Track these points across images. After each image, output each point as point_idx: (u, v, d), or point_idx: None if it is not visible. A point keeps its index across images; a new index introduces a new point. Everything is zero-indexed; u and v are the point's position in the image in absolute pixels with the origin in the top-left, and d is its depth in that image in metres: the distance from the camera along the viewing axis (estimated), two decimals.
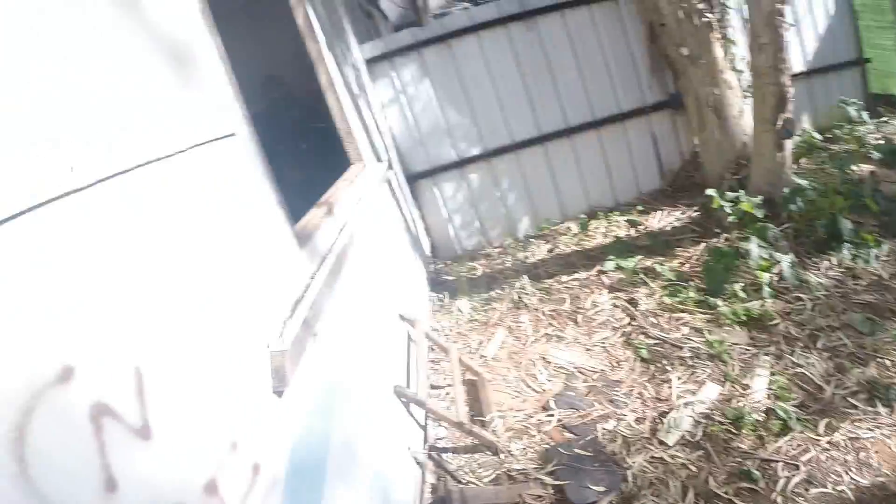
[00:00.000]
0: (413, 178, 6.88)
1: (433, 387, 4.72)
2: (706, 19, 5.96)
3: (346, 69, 5.63)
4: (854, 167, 6.24)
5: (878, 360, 4.14)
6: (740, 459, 3.58)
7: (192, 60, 2.29)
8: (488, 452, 3.95)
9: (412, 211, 6.69)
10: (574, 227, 6.54)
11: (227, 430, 1.75)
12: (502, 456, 3.89)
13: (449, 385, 4.53)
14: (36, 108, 1.37)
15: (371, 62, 6.55)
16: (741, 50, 6.41)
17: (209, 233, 2.00)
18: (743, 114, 6.14)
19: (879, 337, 4.30)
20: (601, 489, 3.47)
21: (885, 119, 7.84)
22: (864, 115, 7.57)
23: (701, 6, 5.93)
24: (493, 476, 3.76)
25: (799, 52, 7.56)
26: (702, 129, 6.26)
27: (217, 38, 2.55)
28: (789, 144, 5.67)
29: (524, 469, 3.74)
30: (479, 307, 5.71)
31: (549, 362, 4.70)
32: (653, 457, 3.67)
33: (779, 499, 3.34)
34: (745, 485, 3.44)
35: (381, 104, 6.66)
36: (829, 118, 7.70)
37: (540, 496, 3.54)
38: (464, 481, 3.76)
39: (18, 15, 1.39)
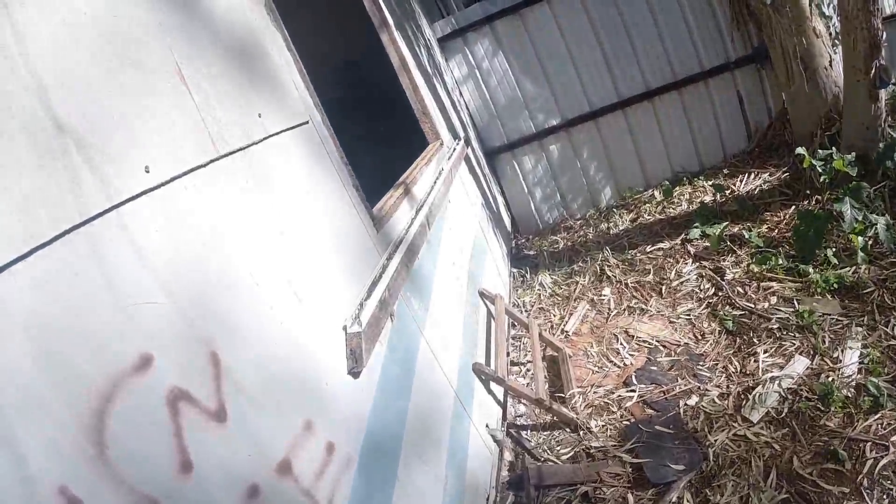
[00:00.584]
0: (492, 154, 7.08)
1: (513, 363, 4.90)
2: None
3: (419, 49, 5.80)
4: None
5: None
6: (827, 438, 3.52)
7: (259, 55, 2.43)
8: (567, 429, 4.10)
9: (492, 186, 6.86)
10: (658, 195, 6.59)
11: (301, 410, 1.86)
12: (581, 433, 4.03)
13: (529, 361, 4.71)
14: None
15: (443, 40, 6.74)
16: None
17: (285, 218, 2.13)
18: (833, 64, 5.99)
19: None
20: (680, 468, 3.54)
21: None
22: None
23: None
24: (572, 454, 3.89)
25: None
26: (790, 84, 6.12)
27: (283, 31, 2.71)
28: (884, 95, 5.45)
29: (603, 446, 3.85)
30: (560, 281, 5.86)
31: (631, 336, 4.78)
32: (735, 434, 3.67)
33: (865, 481, 3.27)
34: (830, 465, 3.38)
35: (455, 81, 6.85)
36: None
37: (618, 474, 3.64)
38: (542, 459, 3.91)
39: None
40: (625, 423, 4.01)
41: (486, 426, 3.86)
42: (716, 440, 3.69)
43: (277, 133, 2.30)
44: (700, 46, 6.59)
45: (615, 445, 3.85)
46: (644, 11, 6.54)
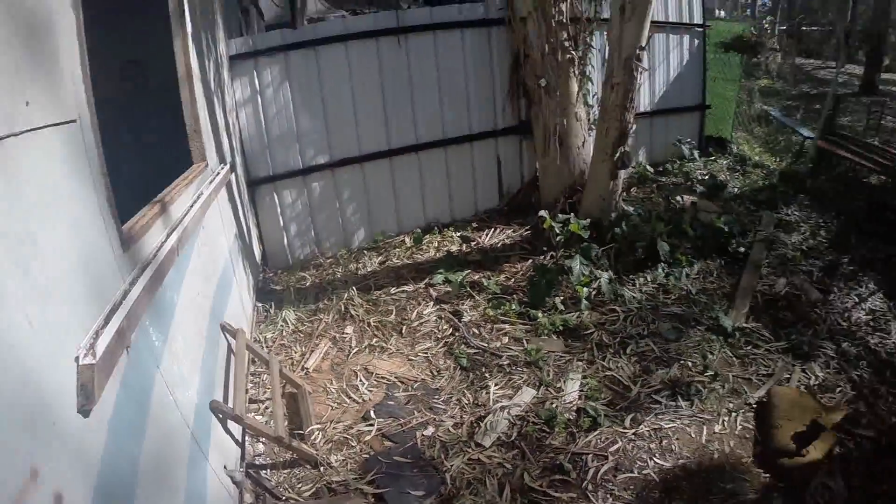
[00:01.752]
0: (255, 184, 7.14)
1: (252, 401, 4.96)
2: (569, 56, 7.05)
3: (208, 62, 5.68)
4: (679, 198, 7.70)
5: (681, 362, 5.27)
6: (553, 455, 4.34)
7: (46, 32, 2.22)
8: (308, 466, 4.26)
9: (248, 217, 6.87)
10: (408, 241, 7.21)
11: (28, 454, 1.65)
12: (322, 469, 4.23)
13: (269, 399, 4.79)
14: None
15: (235, 58, 6.70)
16: (595, 87, 7.79)
17: (27, 227, 1.92)
18: (585, 144, 7.38)
19: (683, 342, 5.48)
20: (420, 493, 3.98)
21: (713, 158, 9.89)
22: (696, 153, 9.49)
23: (567, 43, 6.91)
24: (313, 490, 4.10)
25: (648, 93, 9.09)
26: (545, 156, 7.31)
27: (79, 12, 2.52)
28: (622, 174, 6.87)
29: (344, 480, 4.11)
30: (304, 318, 6.14)
31: (371, 373, 5.22)
32: (470, 458, 4.28)
33: (590, 486, 4.14)
34: (558, 477, 4.18)
35: (235, 103, 6.83)
36: (664, 154, 9.49)
37: None
38: (283, 497, 4.04)
39: None
40: (365, 456, 4.33)
41: (225, 467, 3.79)
42: (452, 465, 4.25)
43: (40, 128, 2.08)
44: (474, 112, 7.57)
45: (356, 478, 4.15)
46: (431, 73, 7.28)
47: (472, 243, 6.97)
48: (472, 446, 4.43)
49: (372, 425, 4.63)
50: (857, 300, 6.61)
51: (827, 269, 7.03)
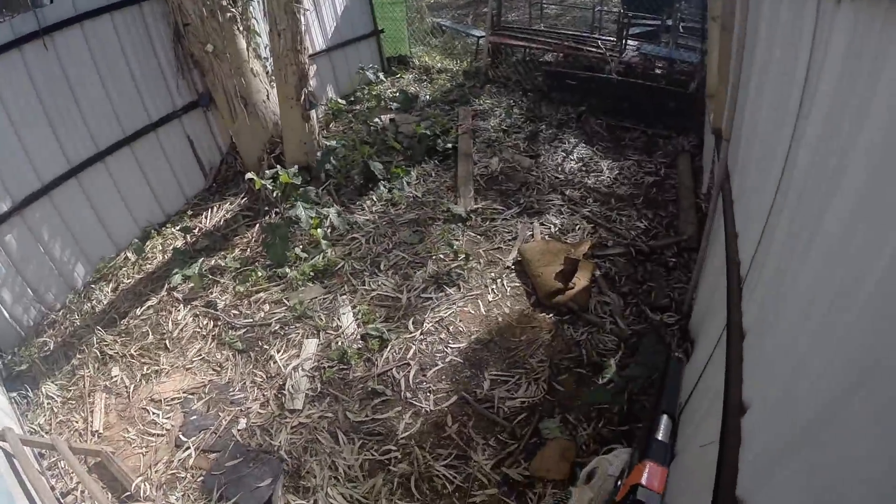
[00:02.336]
0: None
1: (65, 494, 4.38)
2: (230, 14, 6.84)
3: None
4: (377, 119, 8.19)
5: (433, 257, 5.76)
6: (361, 385, 4.62)
7: None
8: None
9: None
10: (131, 256, 6.91)
11: None
12: None
13: (79, 483, 4.37)
14: None
15: None
16: (264, 39, 7.75)
17: None
18: (270, 97, 7.41)
19: (428, 240, 5.97)
20: (268, 481, 4.04)
21: (398, 76, 10.58)
22: (381, 75, 10.05)
23: (224, 2, 6.67)
24: None
25: (320, 32, 9.23)
26: (233, 120, 7.22)
27: None
28: (314, 114, 7.14)
29: None
30: (66, 383, 5.28)
31: (159, 401, 4.98)
32: (293, 427, 4.40)
33: (408, 394, 4.52)
34: (377, 401, 4.50)
35: None
36: (351, 84, 9.84)
37: None
38: None
39: None
40: (200, 479, 4.21)
41: None
42: (280, 441, 4.32)
43: None
44: (147, 98, 7.09)
45: (205, 503, 4.05)
46: (90, 70, 6.56)
47: (195, 231, 6.72)
48: (288, 415, 4.53)
49: (188, 448, 4.46)
50: (564, 155, 7.49)
51: (530, 138, 7.89)
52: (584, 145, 7.86)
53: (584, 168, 7.34)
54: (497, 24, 10.62)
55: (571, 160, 7.50)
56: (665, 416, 0.70)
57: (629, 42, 9.54)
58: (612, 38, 9.65)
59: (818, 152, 2.14)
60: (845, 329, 1.61)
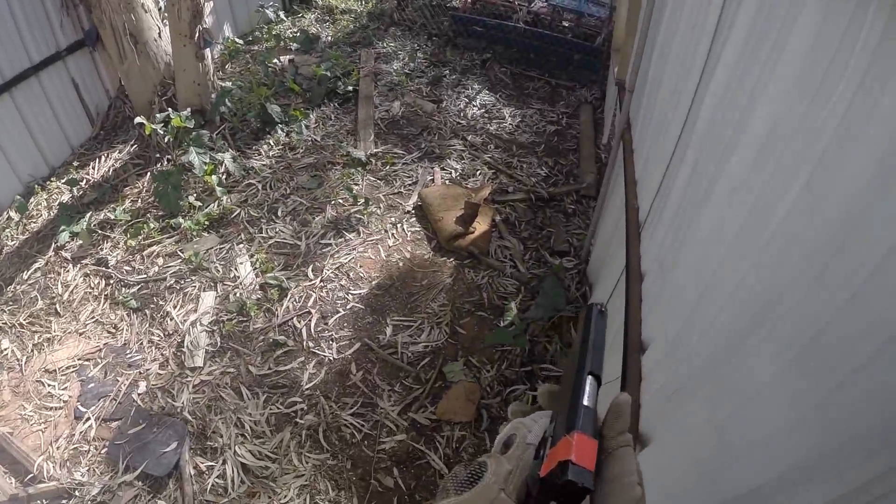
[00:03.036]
0: None
1: None
2: None
3: None
4: (275, 60, 7.87)
5: (332, 202, 5.64)
6: (262, 336, 4.51)
7: None
8: (64, 501, 3.87)
9: None
10: (14, 215, 6.50)
11: None
12: (77, 492, 3.86)
13: None
14: None
15: None
16: None
17: None
18: (162, 35, 6.96)
19: (327, 185, 5.84)
20: (174, 445, 3.89)
21: (300, 15, 10.16)
22: (282, 14, 9.61)
23: None
24: None
25: None
26: (122, 61, 6.80)
27: None
28: (209, 54, 6.80)
29: (103, 486, 3.83)
30: None
31: (53, 371, 4.67)
32: (194, 386, 4.25)
33: (310, 343, 4.45)
34: (279, 352, 4.41)
35: None
36: (250, 23, 9.27)
37: (136, 495, 3.77)
38: None
39: None
40: (103, 451, 4.01)
41: None
42: (182, 402, 4.17)
43: None
44: (29, 39, 6.53)
45: (111, 477, 3.88)
46: None
47: (83, 184, 6.31)
48: (189, 374, 4.36)
49: (88, 419, 4.23)
50: (467, 101, 7.43)
51: (433, 83, 7.79)
52: (487, 92, 7.82)
53: (486, 115, 7.31)
54: None
55: (474, 106, 7.46)
56: (590, 378, 0.66)
57: None
58: None
59: (724, 102, 2.18)
60: (746, 269, 1.68)
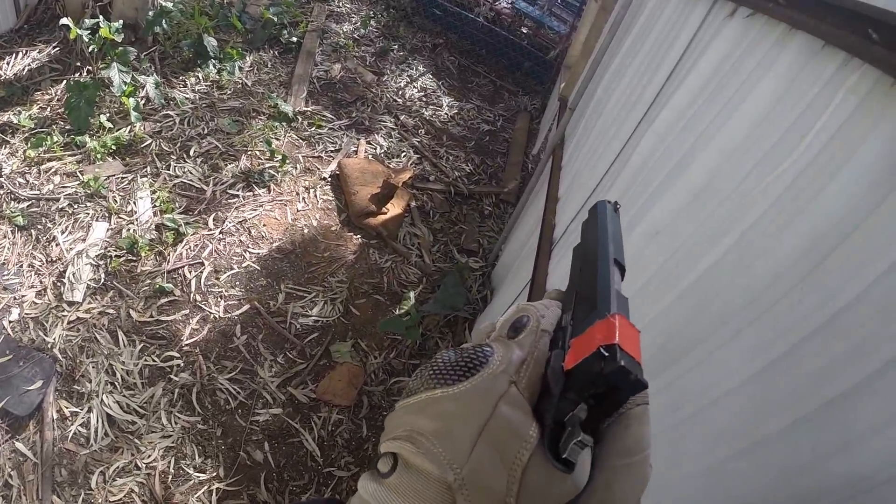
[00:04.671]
0: None
1: None
2: None
3: None
4: None
5: (248, 152, 5.40)
6: (149, 281, 4.22)
7: None
8: None
9: None
10: None
11: None
12: None
13: None
14: None
15: None
16: None
17: None
18: None
19: (247, 134, 5.58)
20: (39, 383, 3.58)
21: None
22: None
23: None
24: None
25: None
26: None
27: None
28: None
29: None
30: None
31: None
32: (70, 322, 3.92)
33: (197, 297, 4.22)
34: (164, 301, 4.14)
35: None
36: None
37: None
38: None
39: None
40: None
41: None
42: (55, 338, 3.83)
43: None
44: None
45: None
46: None
47: None
48: (66, 308, 4.00)
49: None
50: (409, 80, 7.29)
51: (379, 54, 7.61)
52: (431, 77, 7.72)
53: (424, 98, 7.21)
54: None
55: (414, 87, 7.35)
56: (616, 267, 0.55)
57: None
58: None
59: (665, 142, 2.18)
60: (654, 315, 1.68)
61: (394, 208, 5.20)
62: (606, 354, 0.50)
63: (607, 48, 4.09)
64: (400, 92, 7.15)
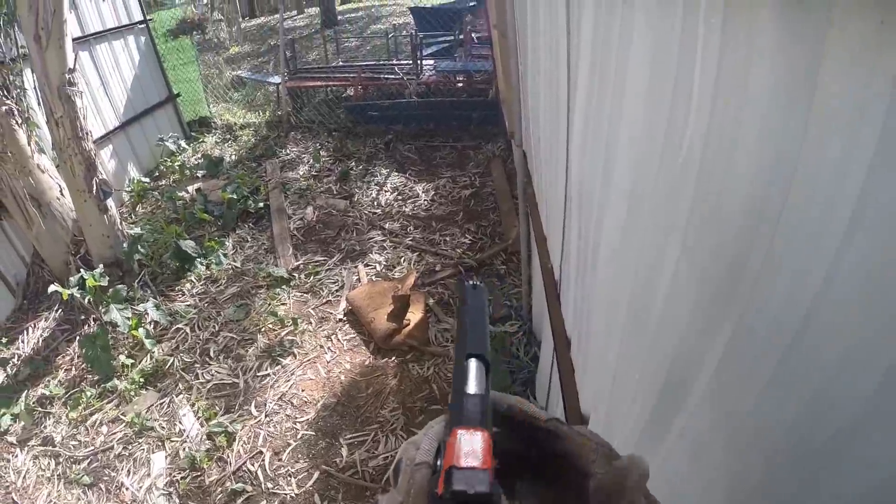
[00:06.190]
0: None
1: None
2: (5, 107, 6.22)
3: None
4: (182, 192, 7.80)
5: (262, 330, 5.51)
6: (220, 488, 4.27)
7: None
8: None
9: None
10: None
11: None
12: None
13: None
14: None
15: None
16: (45, 130, 7.04)
17: None
18: (64, 191, 6.79)
19: (254, 313, 5.71)
20: None
21: (200, 140, 10.11)
22: (183, 143, 9.56)
23: None
24: None
25: (111, 108, 8.67)
26: (30, 226, 6.61)
27: None
28: (111, 203, 6.59)
29: None
30: None
31: None
32: None
33: (268, 484, 4.24)
34: (240, 500, 4.17)
35: None
36: (154, 158, 9.20)
37: None
38: None
39: None
40: None
41: None
42: None
43: None
44: None
45: None
46: None
47: (15, 359, 6.00)
48: None
49: None
50: (378, 188, 7.43)
51: (341, 178, 7.80)
52: (396, 174, 7.87)
53: (399, 197, 7.34)
54: (293, 69, 10.47)
55: (386, 191, 7.49)
56: (473, 361, 0.54)
57: (425, 62, 9.71)
58: (408, 62, 9.75)
59: (585, 153, 2.06)
60: (642, 348, 1.52)
61: (414, 315, 5.22)
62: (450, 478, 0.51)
63: (518, 73, 4.05)
64: (374, 203, 7.30)
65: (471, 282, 0.74)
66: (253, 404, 4.85)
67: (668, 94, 1.20)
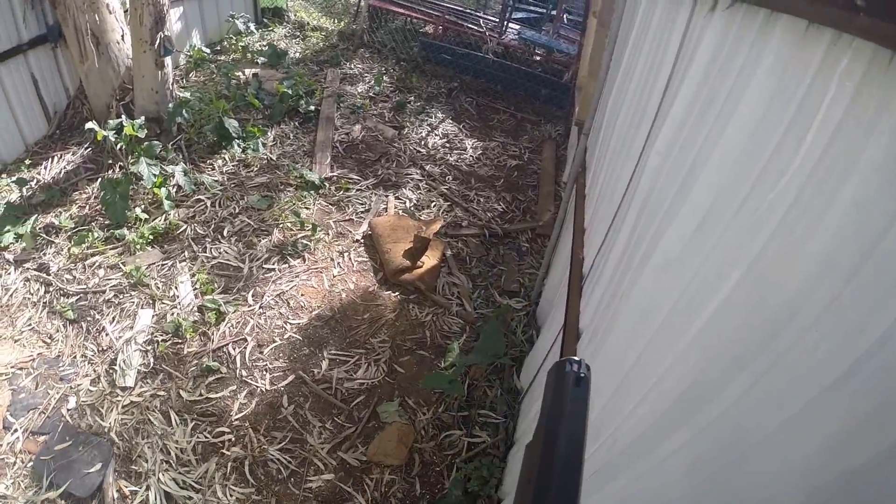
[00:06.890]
0: None
1: None
2: None
3: None
4: (239, 73, 7.70)
5: (280, 226, 5.47)
6: (196, 361, 4.29)
7: None
8: None
9: None
10: None
11: None
12: None
13: None
14: None
15: None
16: None
17: None
18: (125, 37, 6.76)
19: (277, 207, 5.67)
20: (98, 465, 3.68)
21: (271, 28, 10.04)
22: (252, 27, 9.48)
23: None
24: None
25: None
26: (83, 60, 6.55)
27: None
28: (169, 62, 6.58)
29: (26, 501, 3.57)
30: None
31: None
32: (124, 406, 4.01)
33: (243, 372, 4.25)
34: (211, 379, 4.19)
35: None
36: (220, 32, 9.14)
37: None
38: None
39: None
40: (29, 464, 3.76)
41: None
42: (112, 422, 3.92)
43: None
44: None
45: (35, 491, 3.61)
46: None
47: (33, 183, 6.02)
48: (120, 393, 4.12)
49: (17, 431, 3.95)
50: (430, 129, 7.32)
51: (396, 108, 7.70)
52: (451, 122, 7.76)
53: (447, 144, 7.23)
54: None
55: (436, 135, 7.39)
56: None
57: (511, 25, 9.54)
58: (494, 19, 9.57)
59: (668, 161, 2.04)
60: (671, 360, 1.55)
61: (429, 260, 5.16)
62: None
63: (609, 65, 3.98)
64: (422, 142, 7.20)
65: (575, 366, 0.55)
66: (251, 293, 4.83)
67: (778, 135, 1.23)
